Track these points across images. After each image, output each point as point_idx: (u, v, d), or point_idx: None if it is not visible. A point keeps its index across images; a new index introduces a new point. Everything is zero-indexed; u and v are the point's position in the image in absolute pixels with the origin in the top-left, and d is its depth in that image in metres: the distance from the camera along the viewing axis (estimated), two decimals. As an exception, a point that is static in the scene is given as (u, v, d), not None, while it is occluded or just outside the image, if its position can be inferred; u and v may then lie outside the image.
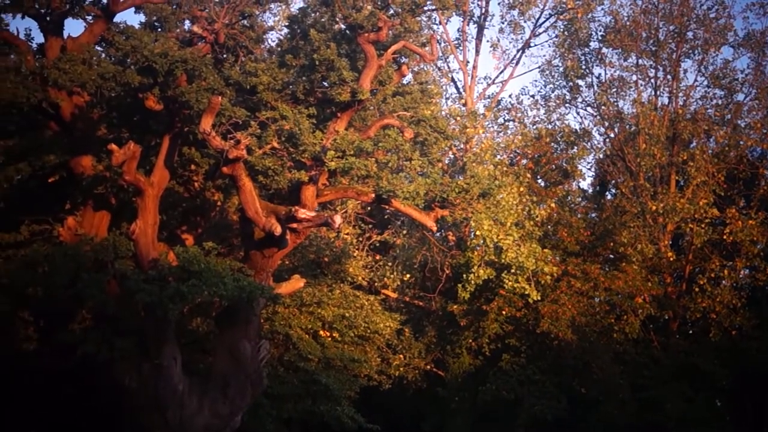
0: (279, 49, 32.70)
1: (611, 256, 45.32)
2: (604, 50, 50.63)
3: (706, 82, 49.99)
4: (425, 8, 29.85)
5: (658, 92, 49.68)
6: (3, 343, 32.13)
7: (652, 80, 49.82)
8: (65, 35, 27.98)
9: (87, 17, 28.42)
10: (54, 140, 30.33)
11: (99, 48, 29.01)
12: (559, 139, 49.76)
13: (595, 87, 51.14)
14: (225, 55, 29.55)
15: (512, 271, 39.58)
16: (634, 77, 50.28)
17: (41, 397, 32.43)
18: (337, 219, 26.02)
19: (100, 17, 28.35)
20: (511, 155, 48.20)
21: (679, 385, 41.29)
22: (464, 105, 50.38)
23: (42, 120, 28.78)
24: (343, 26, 28.90)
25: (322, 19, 29.23)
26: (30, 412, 32.78)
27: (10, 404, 32.24)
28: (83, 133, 28.04)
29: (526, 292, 39.66)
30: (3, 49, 27.43)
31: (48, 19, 27.76)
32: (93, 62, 26.30)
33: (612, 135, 50.44)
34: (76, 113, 27.66)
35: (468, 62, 51.79)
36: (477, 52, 52.02)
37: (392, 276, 44.80)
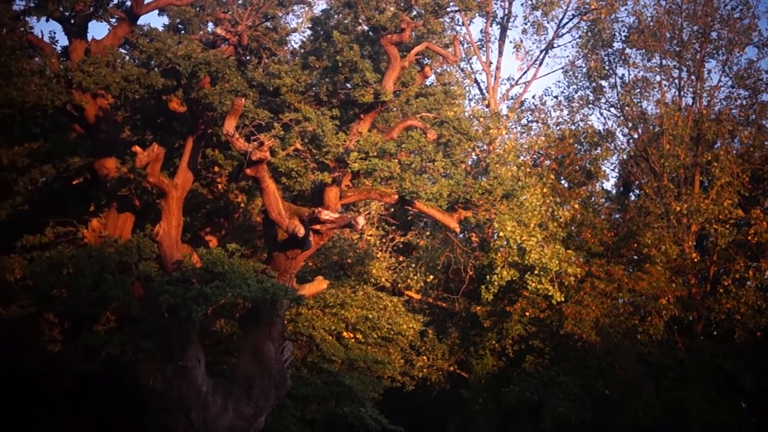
0: (302, 50, 32.76)
1: (635, 257, 45.12)
2: (628, 51, 50.33)
3: (730, 83, 49.67)
4: (448, 9, 29.78)
5: (682, 93, 49.36)
6: (28, 345, 32.34)
7: (676, 81, 49.52)
8: (89, 38, 28.12)
9: (111, 20, 28.53)
10: (78, 142, 30.51)
11: (123, 50, 29.12)
12: (582, 140, 49.59)
13: (619, 88, 50.88)
14: (248, 57, 29.53)
15: (536, 272, 39.50)
16: (658, 78, 49.95)
17: (66, 398, 32.63)
18: (361, 220, 25.99)
19: (123, 20, 28.46)
20: (535, 156, 48.10)
21: (704, 386, 41.12)
22: (487, 106, 50.26)
23: (66, 122, 28.90)
24: (366, 28, 28.86)
25: (345, 21, 29.16)
26: (55, 413, 32.99)
27: (35, 405, 32.46)
28: (107, 136, 28.11)
29: (550, 294, 39.55)
30: (28, 52, 27.49)
31: (72, 22, 27.87)
32: (117, 65, 26.43)
33: (636, 136, 50.16)
34: (100, 115, 27.72)
35: (491, 63, 51.75)
36: (500, 53, 52.02)
37: (415, 277, 44.69)
